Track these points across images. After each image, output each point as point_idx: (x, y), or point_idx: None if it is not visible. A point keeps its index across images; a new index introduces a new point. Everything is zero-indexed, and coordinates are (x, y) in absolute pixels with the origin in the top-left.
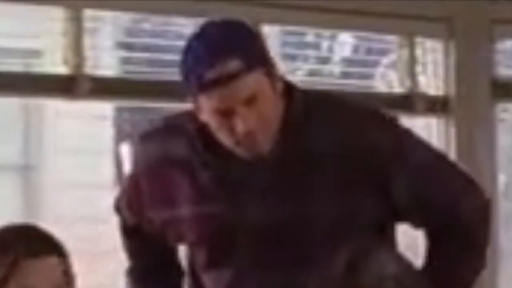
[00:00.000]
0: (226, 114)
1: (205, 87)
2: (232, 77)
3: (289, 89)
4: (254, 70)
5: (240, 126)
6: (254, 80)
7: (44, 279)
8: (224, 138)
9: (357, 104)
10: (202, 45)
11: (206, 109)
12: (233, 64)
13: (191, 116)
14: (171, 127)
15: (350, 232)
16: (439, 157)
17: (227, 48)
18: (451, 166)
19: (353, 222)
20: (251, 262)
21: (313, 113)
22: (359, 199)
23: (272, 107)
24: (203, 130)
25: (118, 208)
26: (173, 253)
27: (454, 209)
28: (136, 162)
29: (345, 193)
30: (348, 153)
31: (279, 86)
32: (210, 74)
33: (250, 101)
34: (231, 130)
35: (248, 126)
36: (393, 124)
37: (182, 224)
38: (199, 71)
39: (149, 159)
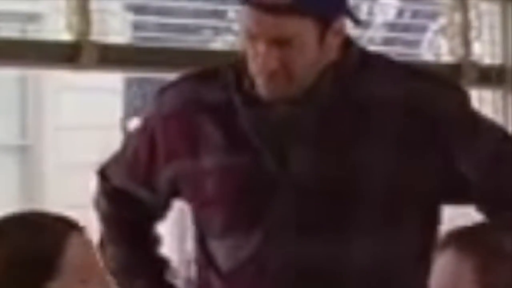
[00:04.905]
0: (255, 41)
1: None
2: (274, 9)
3: (348, 43)
4: (303, 16)
5: (259, 61)
6: (296, 25)
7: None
8: (252, 66)
9: (429, 71)
10: None
11: (242, 28)
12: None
13: (231, 62)
14: (205, 72)
15: (399, 203)
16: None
17: None
18: None
19: (406, 188)
20: (283, 225)
21: (373, 68)
22: (417, 166)
23: (307, 59)
24: (246, 72)
25: (103, 175)
26: (152, 224)
27: None
28: (157, 111)
29: (404, 154)
30: (411, 116)
31: (334, 40)
32: None
33: (281, 43)
34: (255, 60)
35: (266, 66)
36: (465, 99)
37: (204, 176)
38: None
39: (176, 104)
